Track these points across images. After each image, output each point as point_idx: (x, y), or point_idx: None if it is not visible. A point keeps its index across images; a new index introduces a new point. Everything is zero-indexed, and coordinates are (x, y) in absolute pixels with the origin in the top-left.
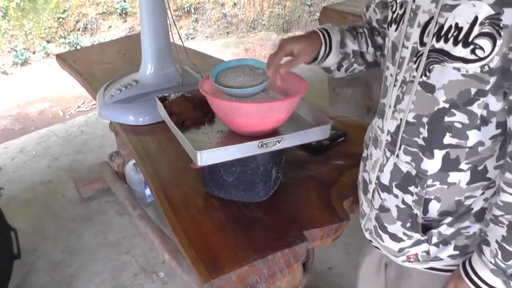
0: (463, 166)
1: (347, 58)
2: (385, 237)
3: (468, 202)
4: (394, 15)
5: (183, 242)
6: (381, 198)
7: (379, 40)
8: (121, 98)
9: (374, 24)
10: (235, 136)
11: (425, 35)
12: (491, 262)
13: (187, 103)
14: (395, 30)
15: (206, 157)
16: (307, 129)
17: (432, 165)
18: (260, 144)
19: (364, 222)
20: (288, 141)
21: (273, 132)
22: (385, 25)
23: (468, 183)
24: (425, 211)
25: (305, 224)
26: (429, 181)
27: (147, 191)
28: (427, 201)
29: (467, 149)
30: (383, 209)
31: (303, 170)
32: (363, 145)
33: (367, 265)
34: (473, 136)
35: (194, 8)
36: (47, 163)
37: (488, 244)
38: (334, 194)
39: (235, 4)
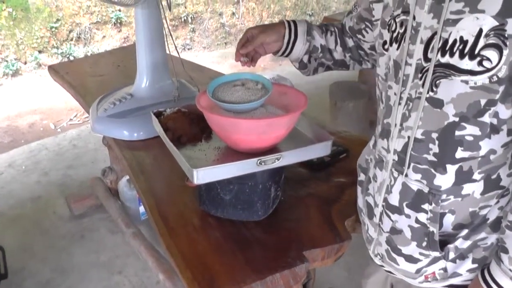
0: (476, 176)
1: (316, 51)
2: (400, 259)
3: (483, 212)
4: (395, 34)
5: (178, 262)
6: (391, 220)
7: (350, 42)
8: (115, 112)
9: (346, 29)
10: (233, 153)
11: (429, 50)
12: (510, 270)
13: (183, 118)
14: (397, 49)
15: (203, 175)
16: (307, 145)
17: (445, 180)
18: (258, 162)
19: (373, 247)
20: (288, 158)
21: (272, 149)
22: (359, 35)
23: (482, 193)
24: (440, 225)
25: (306, 244)
26: (443, 196)
27: (141, 209)
28: (441, 216)
29: (479, 159)
30: (394, 231)
31: (303, 187)
32: (357, 169)
33: (371, 286)
34: (485, 146)
35: (191, 17)
36: (37, 178)
37: (506, 251)
38: (335, 213)
39: (233, 13)
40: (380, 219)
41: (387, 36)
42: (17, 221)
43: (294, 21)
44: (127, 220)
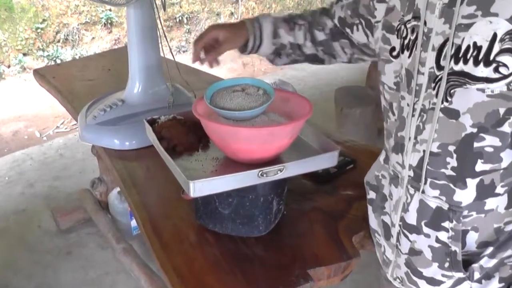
0: (499, 190)
1: (284, 48)
2: (421, 282)
3: (508, 228)
4: (406, 41)
5: (173, 281)
6: (410, 241)
7: (320, 35)
8: (105, 119)
9: (335, 20)
10: (232, 164)
11: (441, 58)
12: None
13: (179, 126)
14: (409, 57)
15: (200, 188)
16: (312, 156)
17: (466, 195)
18: (260, 173)
19: (391, 270)
20: (291, 169)
21: (274, 160)
22: (348, 29)
23: (507, 207)
24: (463, 244)
25: (310, 262)
26: (465, 212)
27: (133, 223)
28: (464, 233)
29: (501, 171)
30: (413, 252)
31: (308, 201)
32: (365, 186)
33: None
34: (507, 157)
35: (186, 18)
36: (21, 189)
37: None
38: (342, 228)
39: (232, 13)
40: (398, 240)
41: (396, 42)
42: None
43: (258, 21)
44: (117, 235)
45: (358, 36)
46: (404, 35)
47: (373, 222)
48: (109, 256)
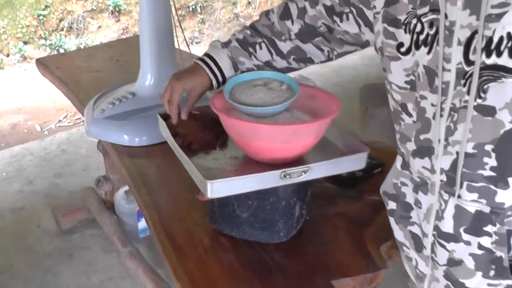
0: None
1: (253, 70)
2: None
3: None
4: (422, 36)
5: None
6: (447, 251)
7: (286, 46)
8: (114, 113)
9: (320, 7)
10: (252, 164)
11: (470, 52)
12: None
13: (195, 122)
14: (428, 53)
15: (218, 188)
16: (339, 157)
17: (509, 195)
18: (282, 174)
19: (427, 285)
20: (316, 171)
21: (298, 160)
22: (336, 18)
23: None
24: (508, 248)
25: (334, 272)
26: (509, 213)
27: (140, 225)
28: (508, 237)
29: None
30: (453, 262)
31: (332, 206)
32: (383, 197)
33: None
34: None
35: (200, 7)
36: (20, 187)
37: None
38: (368, 236)
39: (249, 3)
40: (433, 251)
41: (404, 38)
42: None
43: (213, 60)
44: (123, 237)
45: (348, 25)
46: (418, 29)
47: (399, 234)
48: (113, 260)
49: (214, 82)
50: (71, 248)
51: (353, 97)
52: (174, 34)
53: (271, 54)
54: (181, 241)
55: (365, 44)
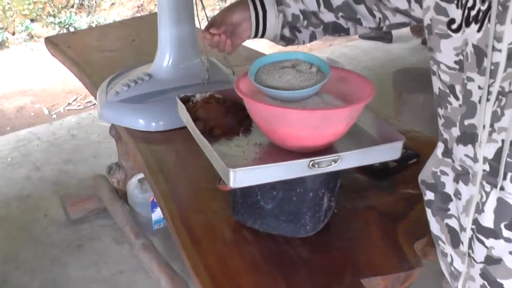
0: None
1: (297, 20)
2: None
3: None
4: (473, 12)
5: (204, 283)
6: (486, 247)
7: (336, 0)
8: (129, 96)
9: None
10: (278, 152)
11: None
12: None
13: (217, 106)
14: (478, 31)
15: (241, 177)
16: (372, 146)
17: None
18: (311, 164)
19: (462, 284)
20: (347, 161)
21: (327, 149)
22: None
23: None
24: None
25: (363, 270)
26: None
27: (155, 216)
28: None
29: None
30: (491, 260)
31: (362, 199)
32: (421, 186)
33: None
34: None
35: None
36: (27, 173)
37: None
38: (402, 232)
39: None
40: (470, 247)
41: (455, 13)
42: (0, 224)
43: None
44: (136, 228)
45: (398, 1)
46: (470, 5)
47: (435, 227)
48: (125, 252)
49: (251, 8)
50: (80, 239)
51: (386, 82)
52: (196, 13)
53: (319, 4)
54: (200, 234)
55: (419, 20)
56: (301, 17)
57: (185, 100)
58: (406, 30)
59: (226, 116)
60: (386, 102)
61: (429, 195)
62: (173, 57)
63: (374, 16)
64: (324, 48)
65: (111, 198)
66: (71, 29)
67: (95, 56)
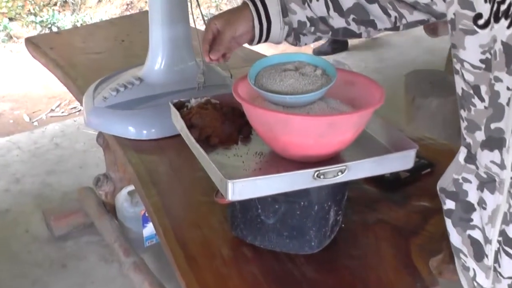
0: None
1: (303, 27)
2: None
3: None
4: (504, 6)
5: None
6: None
7: (346, 2)
8: (118, 101)
9: None
10: (281, 162)
11: None
12: None
13: (214, 112)
14: (508, 27)
15: (241, 189)
16: (382, 155)
17: None
18: (315, 174)
19: None
20: (355, 171)
21: (334, 158)
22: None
23: None
24: None
25: None
26: None
27: (146, 231)
28: None
29: None
30: None
31: (372, 212)
32: (440, 195)
33: None
34: None
35: None
36: (5, 185)
37: None
38: (415, 248)
39: None
40: (496, 260)
41: (483, 7)
42: None
43: (262, 0)
44: (126, 245)
45: None
46: None
47: (456, 239)
48: (114, 272)
49: (256, 20)
50: (64, 257)
51: (397, 85)
52: (190, 11)
53: (328, 8)
54: (196, 251)
55: (440, 16)
56: (308, 24)
57: (179, 106)
58: (419, 29)
59: (223, 123)
60: (397, 107)
61: (449, 204)
62: (165, 59)
63: (389, 15)
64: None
65: (98, 212)
66: (54, 29)
67: (80, 58)
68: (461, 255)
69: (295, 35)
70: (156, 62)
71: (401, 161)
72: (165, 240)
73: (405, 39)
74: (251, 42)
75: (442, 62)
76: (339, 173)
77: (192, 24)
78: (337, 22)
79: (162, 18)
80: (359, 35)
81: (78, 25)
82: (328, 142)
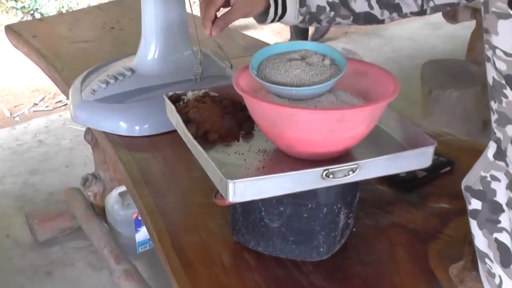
0: None
1: (323, 12)
2: None
3: None
4: None
5: None
6: None
7: None
8: (108, 94)
9: None
10: (286, 160)
11: None
12: None
13: (213, 106)
14: None
15: (243, 190)
16: (397, 152)
17: None
18: (324, 173)
19: None
20: (368, 170)
21: (344, 156)
22: None
23: None
24: None
25: None
26: None
27: (139, 236)
28: None
29: None
30: None
31: (386, 215)
32: (465, 193)
33: None
34: None
35: None
36: None
37: None
38: (434, 254)
39: None
40: None
41: None
42: None
43: None
44: (117, 251)
45: None
46: None
47: (481, 242)
48: (103, 280)
49: (272, 12)
50: (49, 264)
51: (412, 76)
52: None
53: None
54: (194, 257)
55: None
56: (327, 8)
57: (175, 99)
58: (437, 14)
59: (223, 118)
60: (413, 100)
61: (475, 204)
62: (159, 48)
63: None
64: (339, 36)
65: (86, 215)
66: (37, 15)
67: (66, 47)
68: (487, 260)
69: (309, 20)
70: (149, 52)
71: (418, 159)
72: (159, 245)
73: (421, 25)
74: (260, 21)
75: (463, 50)
76: (350, 172)
77: (188, 10)
78: (360, 5)
79: (156, 3)
80: (381, 21)
81: (64, 11)
82: (338, 139)
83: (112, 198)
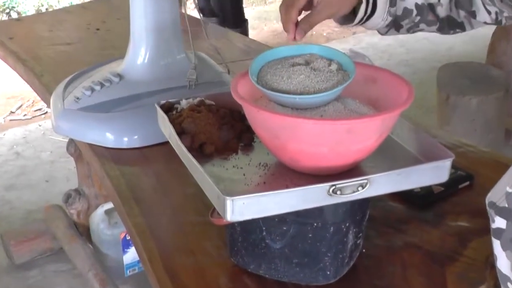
0: None
1: (408, 16)
2: None
3: None
4: None
5: None
6: None
7: None
8: (93, 102)
9: None
10: (289, 174)
11: None
12: None
13: (209, 116)
14: None
15: (242, 208)
16: (410, 166)
17: None
18: (331, 190)
19: None
20: (379, 185)
21: (353, 170)
22: None
23: None
24: None
25: None
26: None
27: (127, 258)
28: None
29: None
30: None
31: (399, 234)
32: (489, 210)
33: None
34: None
35: None
36: None
37: None
38: (452, 278)
39: None
40: None
41: None
42: None
43: None
44: (102, 275)
45: None
46: None
47: (504, 264)
48: None
49: (363, 7)
50: None
51: (427, 81)
52: None
53: None
54: (188, 281)
55: None
56: (414, 12)
57: (167, 108)
58: None
59: (220, 129)
60: (428, 107)
61: (499, 223)
62: (150, 52)
63: (489, 12)
64: (347, 37)
65: (68, 235)
66: (14, 15)
67: (46, 50)
68: (509, 285)
69: (389, 24)
70: (139, 55)
71: (433, 173)
72: (150, 268)
73: None
74: (342, 23)
75: (483, 52)
76: (359, 188)
77: (181, 9)
78: (445, 10)
79: (145, 1)
80: (461, 25)
81: (43, 9)
82: (346, 151)
83: (97, 216)
